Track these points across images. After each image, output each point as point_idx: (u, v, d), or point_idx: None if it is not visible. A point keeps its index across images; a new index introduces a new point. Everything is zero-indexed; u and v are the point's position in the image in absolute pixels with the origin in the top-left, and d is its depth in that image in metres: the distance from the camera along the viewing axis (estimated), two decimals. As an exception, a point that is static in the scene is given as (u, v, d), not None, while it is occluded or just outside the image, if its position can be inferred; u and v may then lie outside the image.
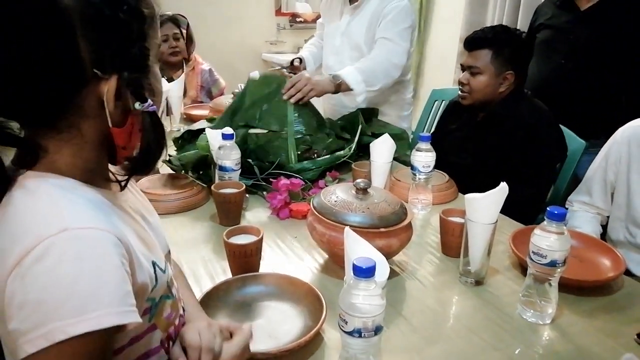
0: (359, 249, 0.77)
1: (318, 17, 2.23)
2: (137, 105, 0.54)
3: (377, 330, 0.67)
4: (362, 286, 0.65)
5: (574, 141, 1.73)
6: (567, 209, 1.57)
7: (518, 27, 2.59)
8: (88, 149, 0.55)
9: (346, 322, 0.66)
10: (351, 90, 1.75)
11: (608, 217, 1.49)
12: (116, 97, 0.53)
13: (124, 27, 0.52)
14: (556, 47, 1.86)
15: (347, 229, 0.82)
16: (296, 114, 1.56)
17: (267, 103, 1.57)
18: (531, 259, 0.87)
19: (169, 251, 0.72)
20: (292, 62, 2.05)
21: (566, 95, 1.82)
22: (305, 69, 2.03)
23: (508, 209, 1.26)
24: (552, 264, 0.85)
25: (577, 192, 1.55)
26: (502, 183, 0.96)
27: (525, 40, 1.66)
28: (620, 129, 1.44)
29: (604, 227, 1.51)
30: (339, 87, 1.73)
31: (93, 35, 0.50)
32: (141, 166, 0.58)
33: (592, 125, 1.77)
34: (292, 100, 1.57)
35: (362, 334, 0.65)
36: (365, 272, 0.65)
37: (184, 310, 0.70)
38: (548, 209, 0.84)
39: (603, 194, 1.47)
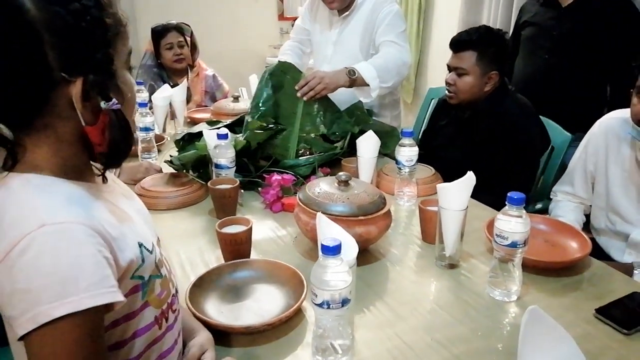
0: (329, 231, 0.86)
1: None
2: (102, 104, 0.61)
3: (344, 302, 0.75)
4: (330, 263, 0.74)
5: (560, 134, 1.79)
6: (550, 199, 1.65)
7: (512, 26, 2.66)
8: (65, 147, 0.62)
9: (316, 295, 0.74)
10: (366, 85, 1.78)
11: (591, 206, 1.56)
12: (84, 98, 0.59)
13: (88, 35, 0.58)
14: (540, 43, 1.93)
15: (319, 214, 0.91)
16: (321, 111, 1.65)
17: (279, 94, 1.65)
18: (495, 241, 0.95)
19: (158, 238, 0.80)
20: None
21: (551, 90, 1.89)
22: None
23: (492, 199, 1.34)
24: (513, 245, 0.92)
25: (560, 183, 1.62)
26: (469, 172, 1.04)
27: (508, 40, 1.73)
28: (598, 121, 1.50)
29: (588, 216, 1.57)
30: (354, 82, 1.76)
31: (59, 42, 0.57)
32: (111, 160, 0.65)
33: (578, 119, 1.83)
34: (305, 98, 1.66)
35: (330, 305, 0.74)
36: (332, 250, 0.73)
37: (176, 291, 0.77)
38: (508, 194, 0.92)
39: (584, 183, 1.54)
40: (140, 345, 0.67)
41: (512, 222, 0.92)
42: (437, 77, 3.39)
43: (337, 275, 0.74)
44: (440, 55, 3.42)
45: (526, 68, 1.94)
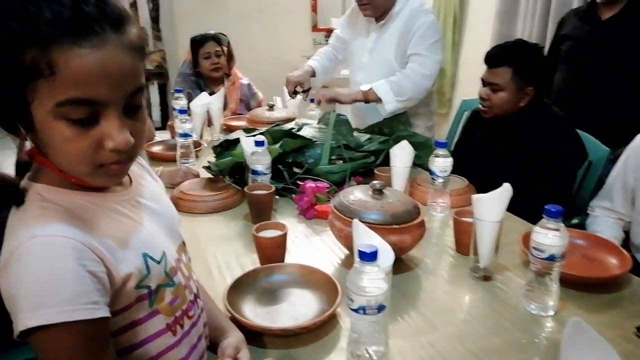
0: (366, 238, 0.87)
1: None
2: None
3: (380, 308, 0.76)
4: (367, 269, 0.75)
5: (598, 148, 1.75)
6: (587, 214, 1.61)
7: (548, 38, 2.62)
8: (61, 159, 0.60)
9: (353, 301, 0.76)
10: (380, 100, 1.89)
11: (630, 222, 1.51)
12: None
13: None
14: (578, 57, 1.90)
15: (355, 220, 0.92)
16: (345, 133, 1.73)
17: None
18: (532, 254, 0.94)
19: (183, 242, 0.80)
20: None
21: (590, 104, 1.86)
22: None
23: (526, 212, 1.33)
24: (551, 258, 0.92)
25: (598, 198, 1.58)
26: (505, 184, 1.03)
27: (545, 55, 1.70)
28: (639, 135, 1.47)
29: (626, 232, 1.53)
30: (368, 96, 1.90)
31: None
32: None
33: (617, 133, 1.79)
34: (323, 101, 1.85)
35: (366, 311, 0.75)
36: (368, 256, 0.74)
37: (196, 296, 0.77)
38: (545, 207, 0.91)
39: (623, 199, 1.50)
40: (152, 351, 0.67)
41: (550, 235, 0.91)
42: (469, 88, 3.36)
43: (373, 281, 0.75)
44: (473, 67, 3.38)
45: (565, 82, 1.92)
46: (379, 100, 1.91)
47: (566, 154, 1.59)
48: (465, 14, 3.56)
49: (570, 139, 1.61)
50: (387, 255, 0.82)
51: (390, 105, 1.89)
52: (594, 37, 1.86)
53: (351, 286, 0.76)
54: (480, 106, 1.72)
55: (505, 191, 1.03)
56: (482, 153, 1.76)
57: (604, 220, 1.54)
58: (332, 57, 2.25)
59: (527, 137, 1.60)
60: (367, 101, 1.91)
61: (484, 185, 1.61)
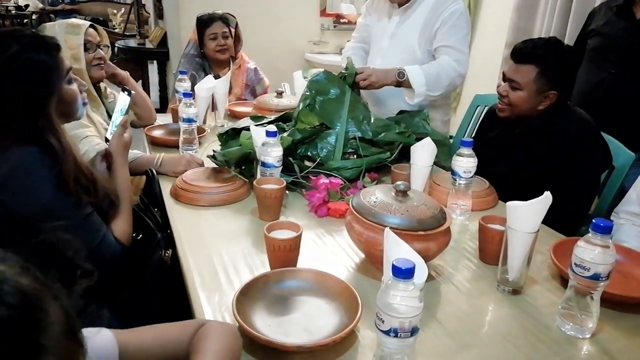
0: (398, 250, 0.78)
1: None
2: None
3: (414, 331, 0.68)
4: (401, 287, 0.67)
5: (623, 153, 1.67)
6: (612, 220, 1.53)
7: (567, 34, 2.52)
8: None
9: (383, 321, 0.67)
10: (412, 89, 1.77)
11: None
12: None
13: None
14: (606, 55, 1.80)
15: (387, 229, 0.83)
16: (366, 120, 1.61)
17: (324, 97, 1.61)
18: (573, 270, 0.86)
19: None
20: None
21: (615, 105, 1.77)
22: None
23: (548, 220, 1.24)
24: (595, 277, 0.83)
25: (624, 202, 1.50)
26: (546, 192, 0.95)
27: (576, 59, 1.59)
28: None
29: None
30: (401, 84, 1.78)
31: None
32: None
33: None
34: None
35: (399, 334, 0.67)
36: (404, 273, 0.66)
37: None
38: (594, 220, 0.83)
39: None
40: None
41: (596, 252, 0.82)
42: (483, 83, 3.26)
43: (408, 300, 0.66)
44: (487, 60, 3.30)
45: (589, 81, 1.82)
46: (409, 86, 1.77)
47: (594, 160, 1.50)
48: (479, 5, 3.44)
49: (598, 144, 1.52)
50: (421, 271, 0.73)
51: (419, 98, 1.78)
52: (627, 36, 1.76)
53: (382, 305, 0.67)
54: (497, 104, 1.63)
55: (544, 200, 0.94)
56: (497, 155, 1.66)
57: (630, 229, 1.46)
58: (363, 54, 2.08)
59: (548, 143, 1.50)
60: (398, 86, 1.79)
61: (500, 188, 1.53)
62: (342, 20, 3.95)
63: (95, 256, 1.08)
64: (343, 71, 1.70)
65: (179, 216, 1.27)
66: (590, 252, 0.83)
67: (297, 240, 0.99)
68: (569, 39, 2.44)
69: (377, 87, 1.76)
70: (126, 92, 1.40)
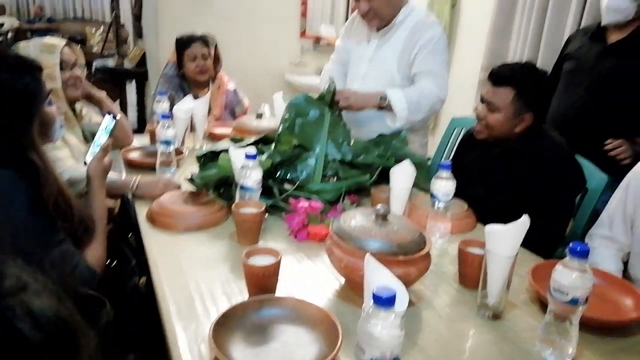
0: (379, 276, 0.77)
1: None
2: None
3: (395, 361, 0.66)
4: (382, 316, 0.65)
5: (596, 175, 1.70)
6: (586, 244, 1.55)
7: (540, 58, 2.59)
8: None
9: (364, 352, 0.66)
10: (393, 112, 1.79)
11: (629, 253, 1.46)
12: None
13: None
14: (578, 79, 1.85)
15: (368, 255, 0.82)
16: (346, 141, 1.62)
17: (303, 118, 1.61)
18: (552, 295, 0.86)
19: None
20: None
21: (587, 128, 1.81)
22: None
23: (527, 242, 1.25)
24: (574, 302, 0.84)
25: (597, 225, 1.52)
26: (524, 216, 0.95)
27: (550, 83, 1.64)
28: None
29: (625, 263, 1.48)
30: (382, 104, 1.79)
31: None
32: None
33: (615, 160, 1.76)
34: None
35: (379, 364, 0.65)
36: (385, 302, 0.65)
37: None
38: (571, 245, 0.83)
39: (623, 226, 1.44)
40: None
41: (574, 276, 0.83)
42: (459, 105, 3.32)
43: (389, 329, 0.65)
44: (463, 83, 3.36)
45: (561, 103, 1.87)
46: (390, 110, 1.79)
47: (570, 182, 1.52)
48: (455, 30, 3.53)
49: (571, 167, 1.55)
50: (402, 298, 0.72)
51: (401, 122, 1.79)
52: (598, 60, 1.82)
53: (363, 335, 0.66)
54: (475, 126, 1.65)
55: (522, 224, 0.95)
56: (474, 177, 1.68)
57: (604, 252, 1.48)
58: (342, 76, 2.06)
59: (525, 166, 1.53)
60: (379, 108, 1.80)
61: (479, 210, 1.55)
62: (321, 42, 4.00)
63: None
64: (323, 91, 1.71)
65: (154, 241, 1.24)
66: (567, 276, 0.83)
67: (276, 267, 0.98)
68: (541, 62, 2.51)
69: (356, 109, 1.77)
70: (112, 116, 1.39)
